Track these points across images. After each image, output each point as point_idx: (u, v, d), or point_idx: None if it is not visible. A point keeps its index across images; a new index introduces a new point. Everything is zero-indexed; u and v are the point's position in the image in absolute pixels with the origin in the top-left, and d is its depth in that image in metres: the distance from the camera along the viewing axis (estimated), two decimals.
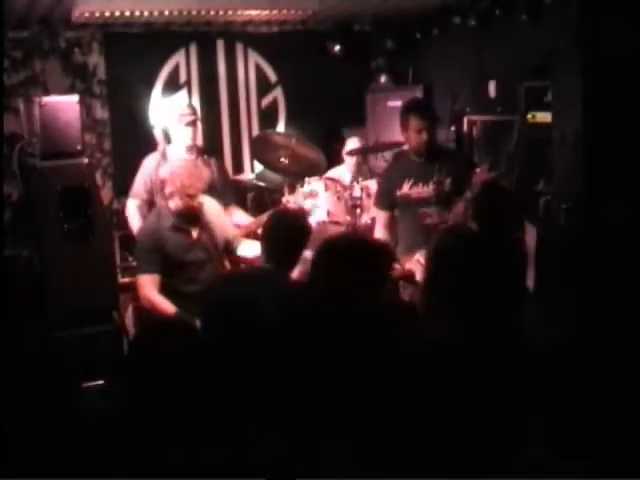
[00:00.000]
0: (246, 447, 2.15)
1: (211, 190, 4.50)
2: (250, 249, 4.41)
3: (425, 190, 4.35)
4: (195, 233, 4.22)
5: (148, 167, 4.86)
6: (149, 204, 4.85)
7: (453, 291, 2.44)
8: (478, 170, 4.13)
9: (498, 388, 2.28)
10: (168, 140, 5.00)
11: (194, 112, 4.94)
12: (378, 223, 4.62)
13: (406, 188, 4.42)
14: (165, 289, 4.09)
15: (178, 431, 2.07)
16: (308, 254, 4.42)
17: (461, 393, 2.23)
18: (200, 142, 5.09)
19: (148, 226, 4.32)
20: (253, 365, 2.50)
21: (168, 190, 4.17)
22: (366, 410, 2.17)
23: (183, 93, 6.62)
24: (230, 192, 5.08)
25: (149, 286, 4.08)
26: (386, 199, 4.56)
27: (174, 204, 4.15)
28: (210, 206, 4.34)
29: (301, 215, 4.02)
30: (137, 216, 4.86)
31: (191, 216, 4.19)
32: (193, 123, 4.85)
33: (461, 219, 3.84)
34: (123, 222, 5.05)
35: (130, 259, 4.77)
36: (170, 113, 4.95)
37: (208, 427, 2.12)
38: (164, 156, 4.75)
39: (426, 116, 4.38)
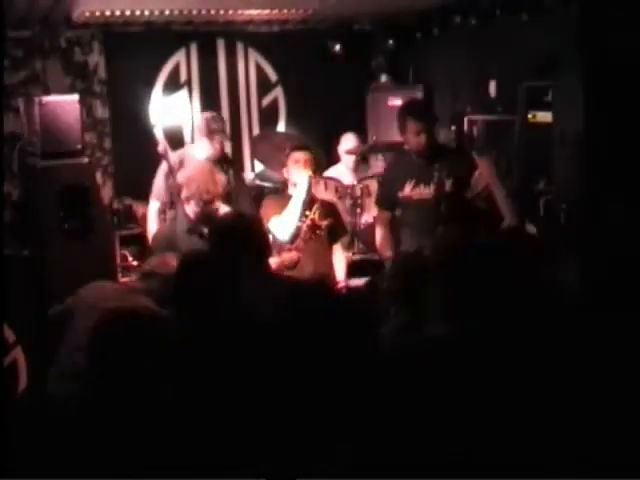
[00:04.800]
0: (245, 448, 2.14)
1: (227, 197, 4.42)
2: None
3: (426, 191, 4.35)
4: None
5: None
6: (170, 205, 4.70)
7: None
8: (481, 161, 4.07)
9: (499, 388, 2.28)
10: (169, 140, 4.98)
11: (223, 125, 4.79)
12: (379, 223, 4.63)
13: (408, 189, 4.41)
14: None
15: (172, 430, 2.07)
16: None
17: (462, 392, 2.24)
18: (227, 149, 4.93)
19: (162, 230, 4.24)
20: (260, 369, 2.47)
21: (184, 195, 4.08)
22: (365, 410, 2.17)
23: (184, 92, 6.62)
24: (247, 200, 4.94)
25: None
26: (387, 199, 4.56)
27: (190, 209, 4.05)
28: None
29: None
30: (156, 220, 4.73)
31: (207, 222, 4.00)
32: (222, 136, 4.73)
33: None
34: (124, 221, 5.04)
35: (130, 258, 4.77)
36: (197, 119, 4.79)
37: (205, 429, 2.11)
38: (185, 155, 4.62)
39: (423, 118, 4.36)
